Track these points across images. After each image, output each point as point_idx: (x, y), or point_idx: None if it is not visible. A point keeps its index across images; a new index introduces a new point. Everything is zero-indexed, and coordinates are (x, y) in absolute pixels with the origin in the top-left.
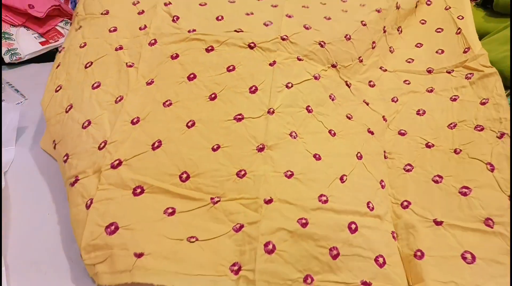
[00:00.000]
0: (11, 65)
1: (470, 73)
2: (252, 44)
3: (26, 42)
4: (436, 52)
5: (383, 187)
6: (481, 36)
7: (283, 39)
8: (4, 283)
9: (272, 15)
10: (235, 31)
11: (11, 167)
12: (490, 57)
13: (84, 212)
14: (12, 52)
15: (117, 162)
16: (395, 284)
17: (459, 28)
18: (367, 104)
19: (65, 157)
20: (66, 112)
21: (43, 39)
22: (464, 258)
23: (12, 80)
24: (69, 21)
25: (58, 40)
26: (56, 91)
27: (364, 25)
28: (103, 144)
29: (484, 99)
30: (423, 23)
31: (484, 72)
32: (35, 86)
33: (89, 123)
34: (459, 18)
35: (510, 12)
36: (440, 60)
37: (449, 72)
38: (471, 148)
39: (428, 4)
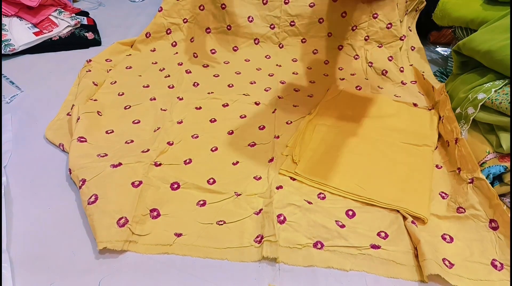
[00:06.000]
0: (5, 56)
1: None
2: (257, 102)
3: (19, 33)
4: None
5: None
6: (479, 24)
7: (280, 98)
8: (9, 278)
9: (270, 83)
10: (243, 94)
11: (10, 160)
12: (489, 46)
13: (132, 190)
14: (6, 43)
15: (159, 163)
16: (401, 245)
17: (423, 73)
18: None
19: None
20: (107, 133)
21: (37, 30)
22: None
23: (7, 72)
24: (62, 10)
25: (52, 30)
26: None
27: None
28: (146, 150)
29: (441, 117)
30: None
31: (440, 98)
32: (30, 78)
33: (132, 141)
34: (422, 73)
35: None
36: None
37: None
38: (447, 164)
39: (402, 71)
